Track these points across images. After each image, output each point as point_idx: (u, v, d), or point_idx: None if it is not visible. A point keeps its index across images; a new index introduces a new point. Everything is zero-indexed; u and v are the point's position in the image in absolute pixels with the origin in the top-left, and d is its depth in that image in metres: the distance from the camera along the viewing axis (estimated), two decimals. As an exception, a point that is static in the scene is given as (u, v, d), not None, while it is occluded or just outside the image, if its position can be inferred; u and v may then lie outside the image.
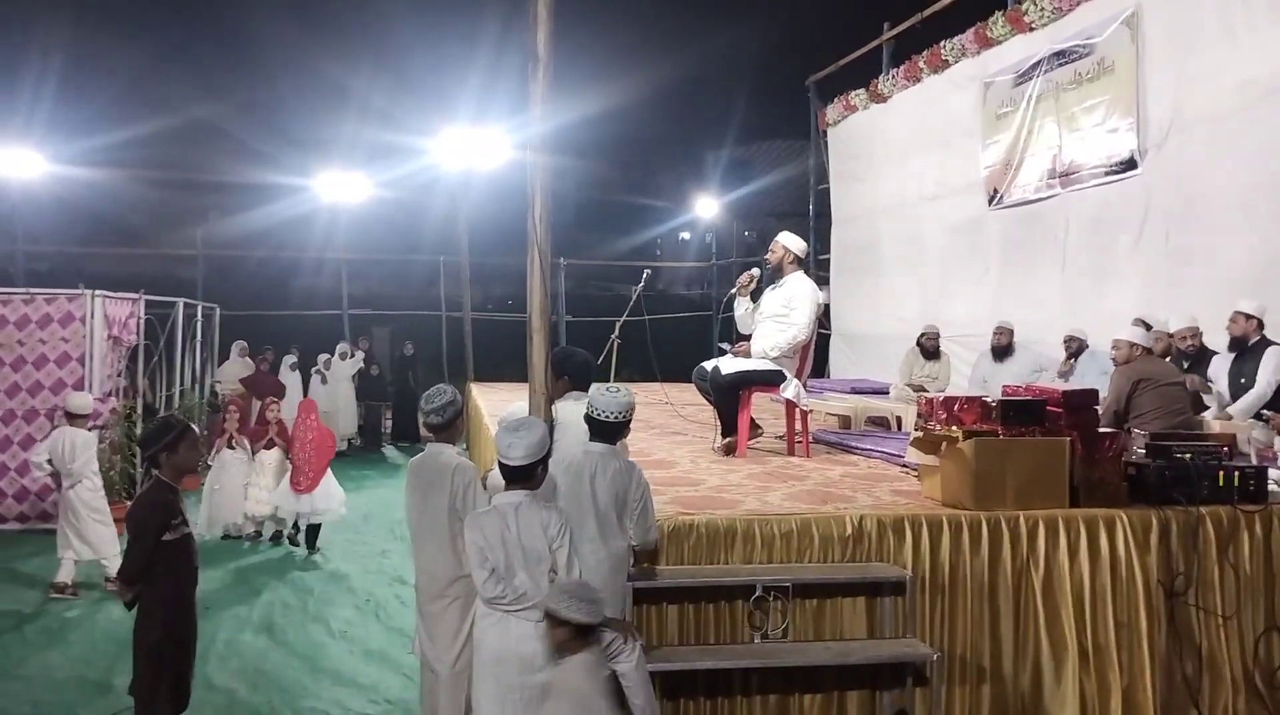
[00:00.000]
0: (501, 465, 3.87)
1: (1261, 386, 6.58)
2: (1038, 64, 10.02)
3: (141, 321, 11.37)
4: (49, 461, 7.72)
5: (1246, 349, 6.82)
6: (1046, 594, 4.57)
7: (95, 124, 21.52)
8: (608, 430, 4.20)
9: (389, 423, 16.92)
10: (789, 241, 6.86)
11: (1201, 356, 7.15)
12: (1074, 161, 9.58)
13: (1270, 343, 6.74)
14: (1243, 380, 6.77)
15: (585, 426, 4.30)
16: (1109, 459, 4.87)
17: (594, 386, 4.54)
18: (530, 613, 3.69)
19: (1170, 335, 7.32)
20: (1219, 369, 6.98)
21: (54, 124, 20.02)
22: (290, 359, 15.18)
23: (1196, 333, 7.19)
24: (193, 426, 4.58)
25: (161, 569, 4.24)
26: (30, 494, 9.70)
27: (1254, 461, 5.53)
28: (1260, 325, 6.84)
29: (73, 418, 7.94)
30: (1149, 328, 7.12)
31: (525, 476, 3.85)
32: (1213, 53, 7.95)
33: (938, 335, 10.10)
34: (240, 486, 9.38)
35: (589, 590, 3.60)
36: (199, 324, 13.93)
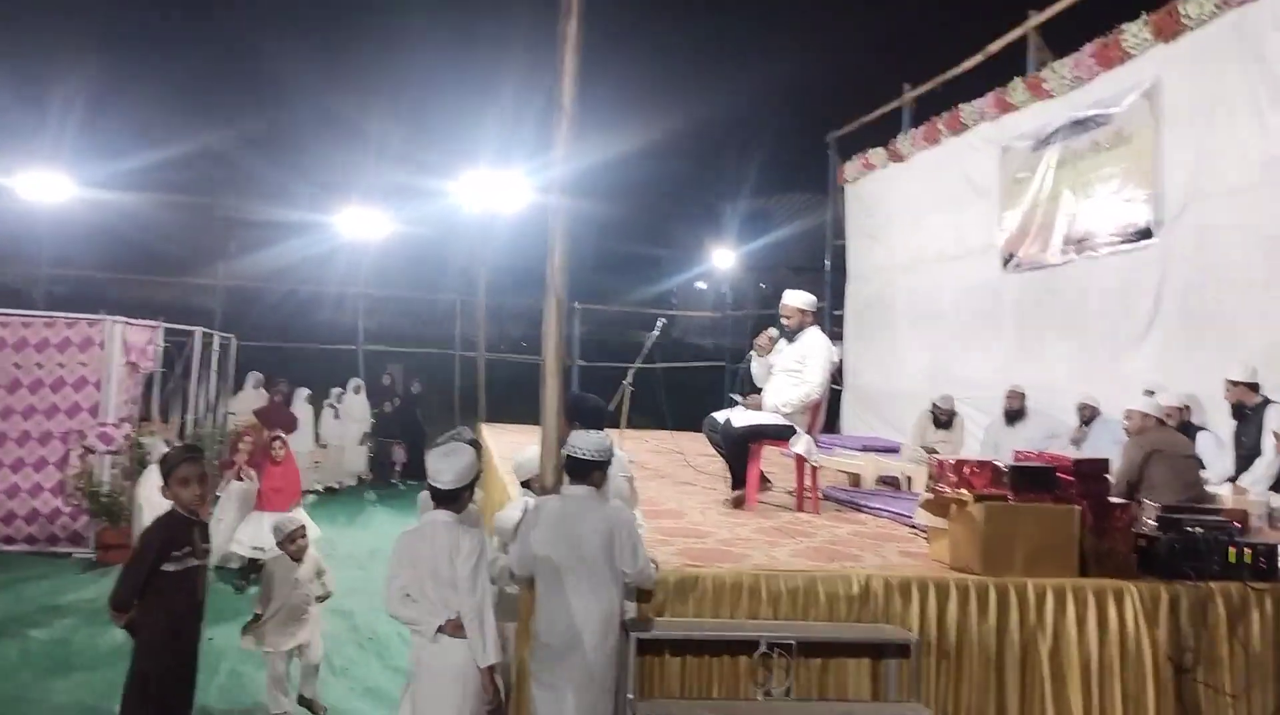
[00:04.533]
0: (430, 487, 4.27)
1: (1269, 453, 6.54)
2: (1056, 131, 10.11)
3: (160, 349, 11.44)
4: None
5: (1245, 414, 6.81)
6: (1054, 663, 4.51)
7: (122, 147, 21.70)
8: (583, 468, 4.23)
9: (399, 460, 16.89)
10: (798, 301, 6.81)
11: (1185, 431, 7.11)
12: (1089, 229, 9.63)
13: (1271, 402, 6.72)
14: (1244, 439, 6.77)
15: None
16: (1119, 529, 4.83)
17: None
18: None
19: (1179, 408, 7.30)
20: (1205, 445, 6.95)
21: (82, 147, 20.22)
22: (304, 392, 15.20)
23: (1181, 410, 7.19)
24: (195, 460, 4.53)
25: (156, 599, 4.21)
26: (40, 516, 9.72)
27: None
28: (1256, 388, 6.83)
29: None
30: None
31: (450, 499, 4.23)
32: (1235, 128, 7.97)
33: (952, 409, 9.98)
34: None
35: None
36: (215, 353, 14.01)
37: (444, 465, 4.25)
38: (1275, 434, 6.43)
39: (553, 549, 4.05)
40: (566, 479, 4.32)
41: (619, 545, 4.07)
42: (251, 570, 8.66)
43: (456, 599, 4.05)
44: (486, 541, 4.23)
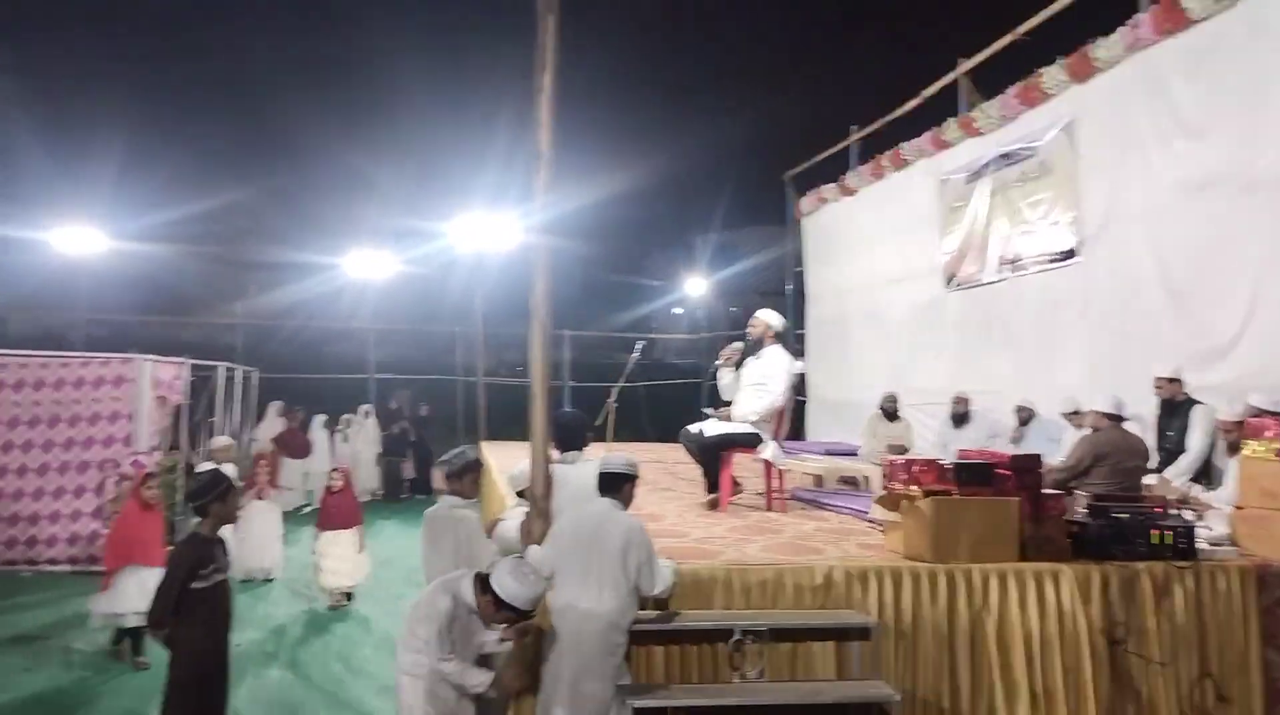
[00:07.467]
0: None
1: (1196, 449, 6.54)
2: (987, 164, 10.19)
3: (187, 383, 11.36)
4: None
5: (1173, 410, 6.81)
6: (999, 640, 4.51)
7: (151, 203, 21.68)
8: (615, 482, 4.33)
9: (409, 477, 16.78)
10: (768, 317, 6.88)
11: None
12: (1021, 250, 9.69)
13: (1194, 402, 6.73)
14: (1170, 433, 6.75)
15: (573, 484, 4.41)
16: (1054, 517, 4.85)
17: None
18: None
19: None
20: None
21: (114, 203, 20.13)
22: (321, 418, 15.15)
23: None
24: (235, 482, 4.55)
25: (191, 614, 4.20)
26: (80, 538, 9.61)
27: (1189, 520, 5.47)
28: (1181, 383, 6.83)
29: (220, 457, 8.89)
30: (1076, 412, 7.08)
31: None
32: (1146, 155, 8.00)
33: (895, 399, 10.00)
34: (269, 535, 9.32)
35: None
36: (239, 386, 13.92)
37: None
38: (1222, 427, 6.28)
39: (573, 551, 4.10)
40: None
41: (634, 560, 4.08)
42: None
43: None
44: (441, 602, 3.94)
